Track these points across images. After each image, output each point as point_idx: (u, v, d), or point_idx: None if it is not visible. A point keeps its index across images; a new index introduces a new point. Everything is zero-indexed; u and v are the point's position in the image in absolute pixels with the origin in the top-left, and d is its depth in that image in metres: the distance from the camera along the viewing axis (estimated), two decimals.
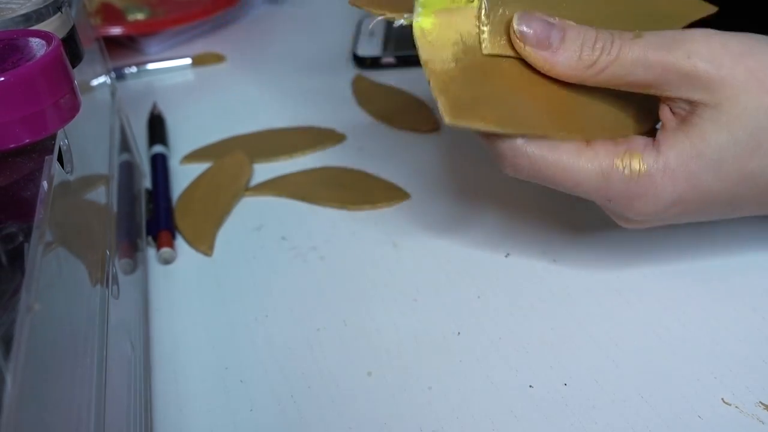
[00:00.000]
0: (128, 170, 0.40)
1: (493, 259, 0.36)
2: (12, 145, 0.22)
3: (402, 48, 0.58)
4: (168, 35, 0.65)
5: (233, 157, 0.46)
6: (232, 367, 0.32)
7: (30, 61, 0.22)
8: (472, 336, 0.32)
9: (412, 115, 0.50)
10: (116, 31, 0.62)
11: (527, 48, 0.27)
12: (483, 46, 0.27)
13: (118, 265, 0.30)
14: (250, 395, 0.31)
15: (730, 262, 0.34)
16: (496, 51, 0.28)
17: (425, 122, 0.49)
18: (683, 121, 0.27)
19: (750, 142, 0.27)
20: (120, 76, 0.60)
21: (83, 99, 0.25)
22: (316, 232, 0.40)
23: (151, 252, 0.39)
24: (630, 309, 0.33)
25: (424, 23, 0.27)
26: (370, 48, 0.59)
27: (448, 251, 0.37)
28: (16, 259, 0.19)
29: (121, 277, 0.30)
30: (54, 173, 0.23)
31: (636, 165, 0.28)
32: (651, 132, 0.29)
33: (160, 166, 0.46)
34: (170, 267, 0.38)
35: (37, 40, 0.24)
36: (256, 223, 0.41)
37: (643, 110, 0.30)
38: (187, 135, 0.50)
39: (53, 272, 0.20)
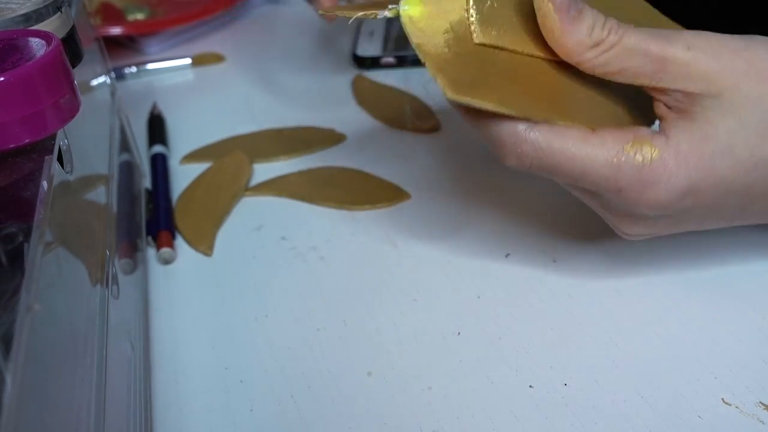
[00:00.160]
0: (128, 170, 0.40)
1: (493, 259, 0.36)
2: (12, 145, 0.22)
3: (402, 48, 0.58)
4: (168, 35, 0.65)
5: (233, 157, 0.46)
6: (232, 367, 0.32)
7: (30, 61, 0.22)
8: (472, 336, 0.32)
9: (412, 115, 0.50)
10: (116, 31, 0.62)
11: (549, 4, 0.26)
12: (474, 36, 0.27)
13: (118, 265, 0.30)
14: (250, 395, 0.31)
15: (730, 262, 0.34)
16: (489, 41, 0.27)
17: (425, 122, 0.49)
18: (683, 112, 0.27)
19: (758, 128, 0.26)
20: (120, 76, 0.60)
21: (83, 99, 0.24)
22: (316, 232, 0.40)
23: (151, 252, 0.39)
24: (630, 309, 0.33)
25: (412, 11, 0.26)
26: (370, 48, 0.59)
27: (448, 251, 0.37)
28: (16, 259, 0.19)
29: (121, 277, 0.30)
30: (54, 173, 0.23)
31: (648, 150, 0.26)
32: None
33: (160, 166, 0.46)
34: (170, 267, 0.38)
35: (37, 40, 0.24)
36: (256, 223, 0.41)
37: (640, 108, 0.30)
38: (187, 135, 0.50)
39: (53, 272, 0.20)
